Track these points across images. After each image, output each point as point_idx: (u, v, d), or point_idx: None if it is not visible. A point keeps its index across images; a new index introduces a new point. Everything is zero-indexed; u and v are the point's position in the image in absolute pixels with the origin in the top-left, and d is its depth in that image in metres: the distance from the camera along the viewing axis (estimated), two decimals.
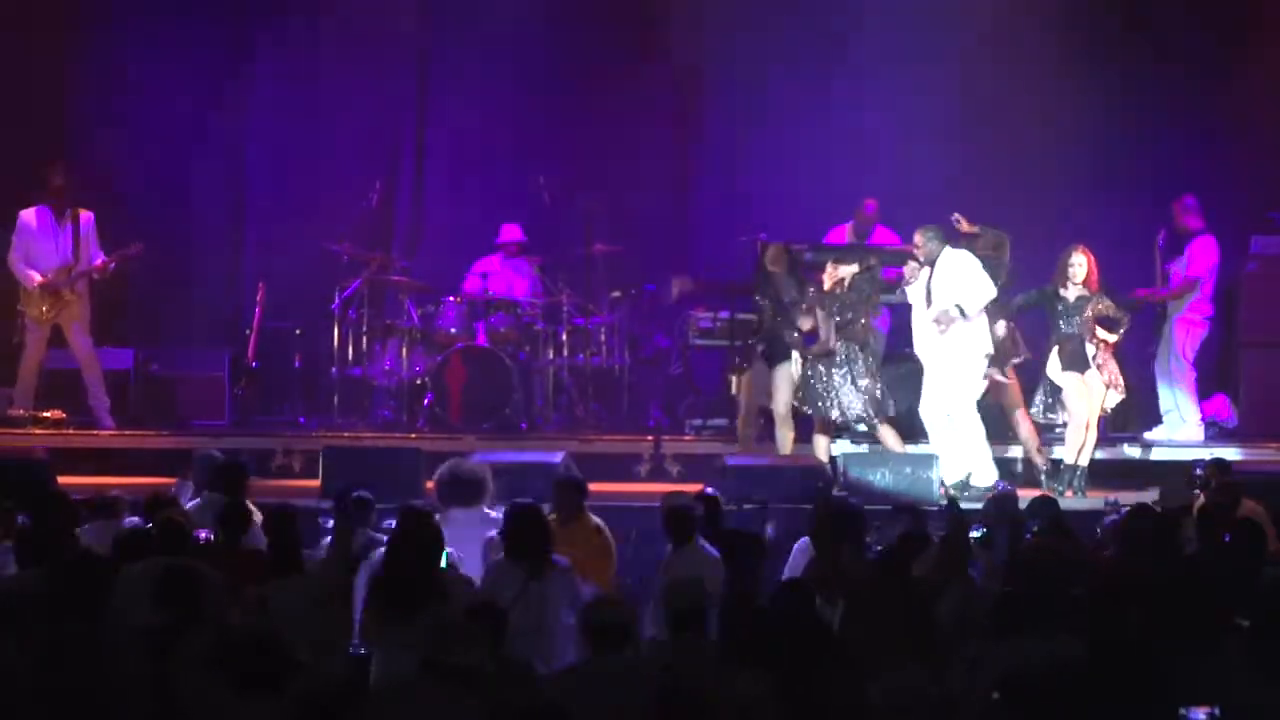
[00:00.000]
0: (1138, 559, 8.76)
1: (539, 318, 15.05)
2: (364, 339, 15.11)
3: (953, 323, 12.68)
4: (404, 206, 16.55)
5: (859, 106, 16.06)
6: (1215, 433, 14.89)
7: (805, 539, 10.04)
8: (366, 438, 14.21)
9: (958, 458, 12.73)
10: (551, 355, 15.02)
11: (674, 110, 16.38)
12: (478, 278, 15.26)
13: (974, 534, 10.10)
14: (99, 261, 14.43)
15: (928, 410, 12.91)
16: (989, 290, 12.77)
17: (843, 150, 15.94)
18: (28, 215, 14.59)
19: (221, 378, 15.13)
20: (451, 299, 15.05)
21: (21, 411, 14.47)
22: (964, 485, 12.49)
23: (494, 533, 9.82)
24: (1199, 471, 11.18)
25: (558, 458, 12.83)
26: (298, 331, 15.27)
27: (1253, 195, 15.57)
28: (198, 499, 10.55)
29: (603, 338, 15.18)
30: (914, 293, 12.99)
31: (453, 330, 14.95)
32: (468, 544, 9.72)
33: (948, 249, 12.85)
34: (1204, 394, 14.83)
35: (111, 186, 15.18)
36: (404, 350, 14.97)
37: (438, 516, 10.13)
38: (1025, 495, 10.81)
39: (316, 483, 12.83)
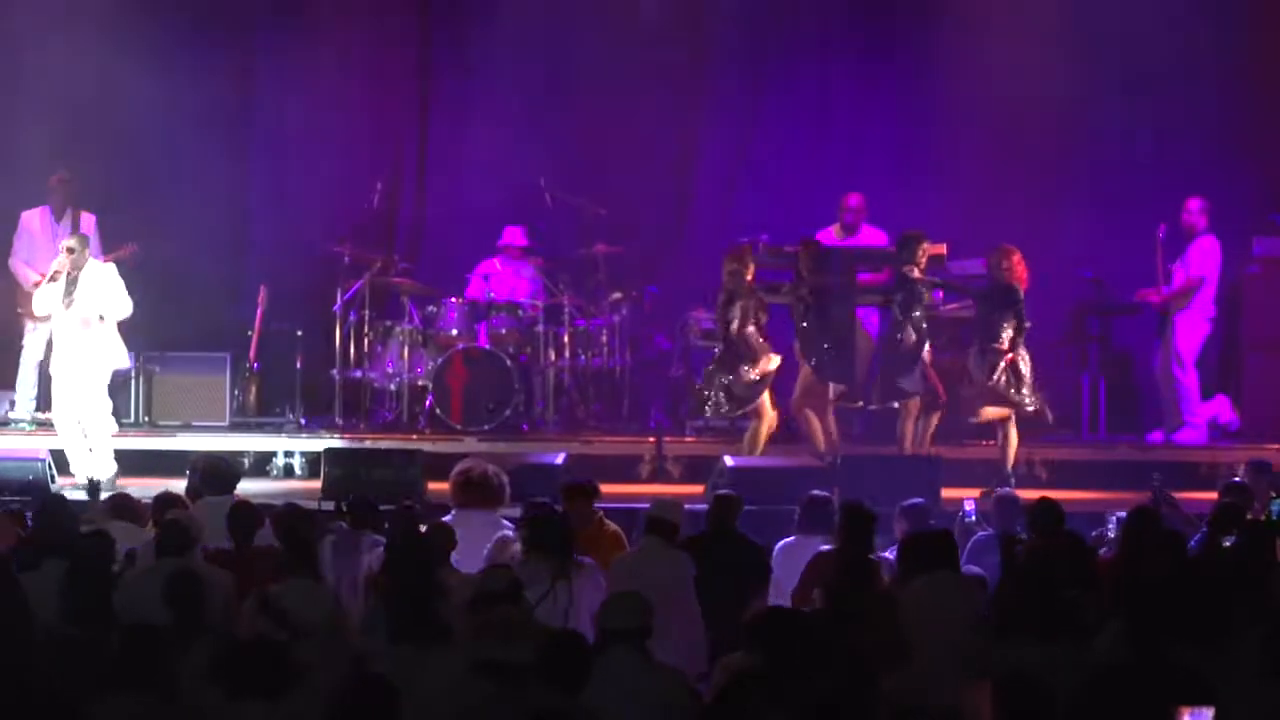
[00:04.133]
0: (1137, 561, 8.77)
1: (540, 319, 15.04)
2: (365, 340, 15.11)
3: (96, 324, 13.09)
4: (406, 208, 16.54)
5: (858, 108, 16.07)
6: (1217, 434, 14.88)
7: (792, 539, 10.07)
8: (368, 439, 14.22)
9: (105, 455, 13.08)
10: (553, 357, 15.01)
11: (675, 112, 16.36)
12: (480, 280, 15.26)
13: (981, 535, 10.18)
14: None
15: (61, 413, 13.18)
16: (128, 305, 13.20)
17: (841, 152, 15.95)
18: (29, 216, 14.64)
19: (223, 379, 15.14)
20: (453, 300, 15.04)
21: (21, 414, 14.48)
22: (98, 485, 12.56)
23: (506, 532, 9.86)
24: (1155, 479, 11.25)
25: (559, 459, 12.86)
26: (299, 333, 15.25)
27: (1255, 197, 15.57)
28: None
29: (604, 339, 15.17)
30: (50, 296, 13.16)
31: (454, 332, 14.94)
32: (481, 546, 9.76)
33: (93, 260, 13.24)
34: (1206, 395, 14.82)
35: (113, 188, 15.18)
36: (405, 352, 14.96)
37: (451, 516, 10.20)
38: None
39: (317, 484, 12.88)
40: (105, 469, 13.03)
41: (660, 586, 8.69)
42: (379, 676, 6.05)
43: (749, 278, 13.32)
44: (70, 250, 13.12)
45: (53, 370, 13.34)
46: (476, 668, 6.59)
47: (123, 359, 13.39)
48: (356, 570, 9.53)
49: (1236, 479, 11.37)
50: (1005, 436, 13.18)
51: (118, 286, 13.24)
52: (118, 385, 14.57)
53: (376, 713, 5.90)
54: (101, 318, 13.14)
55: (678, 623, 8.90)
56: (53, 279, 13.14)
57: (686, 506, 10.67)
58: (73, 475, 12.90)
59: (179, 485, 11.16)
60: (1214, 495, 11.08)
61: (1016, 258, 13.17)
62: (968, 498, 11.60)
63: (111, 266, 13.41)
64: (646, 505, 11.55)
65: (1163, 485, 11.07)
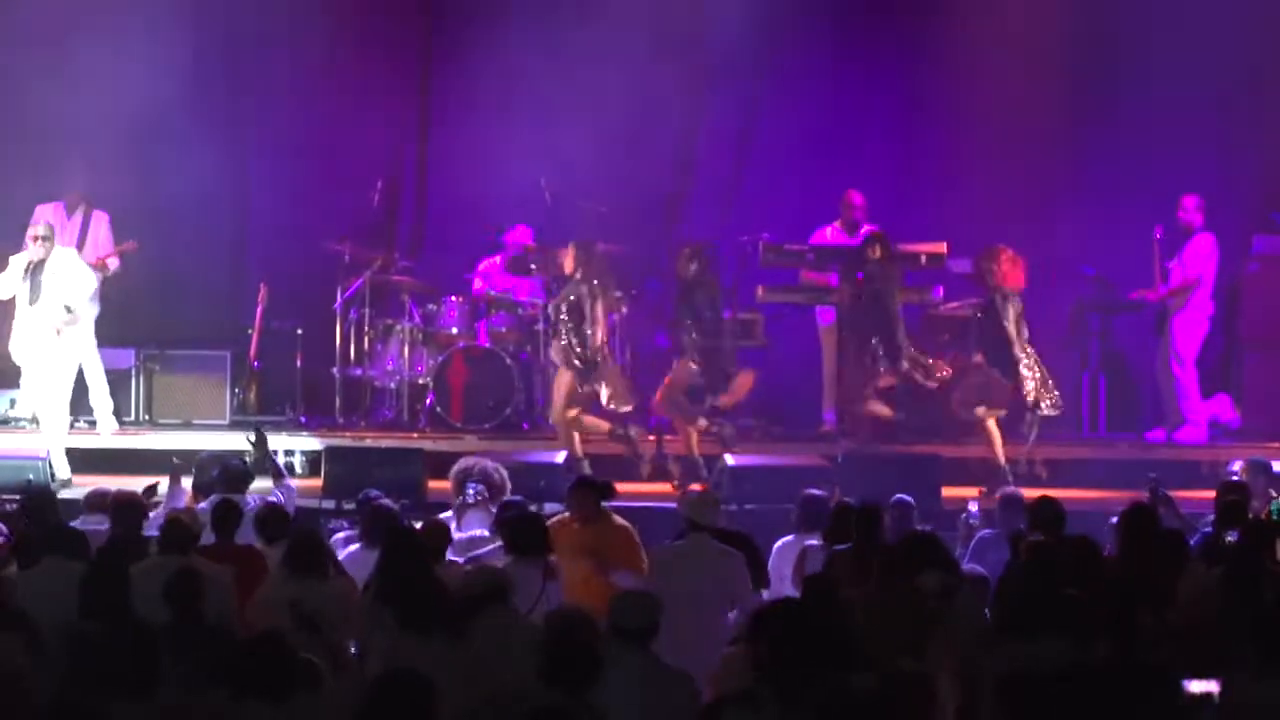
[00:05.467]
0: (1136, 558, 8.77)
1: (540, 318, 15.03)
2: (366, 339, 15.11)
3: (71, 322, 13.35)
4: (406, 206, 16.54)
5: (859, 107, 16.06)
6: (1218, 433, 14.88)
7: (791, 536, 10.08)
8: (368, 437, 14.22)
9: (59, 454, 13.18)
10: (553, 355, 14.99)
11: (675, 110, 16.35)
12: (483, 278, 15.25)
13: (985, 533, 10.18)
14: (96, 258, 14.44)
15: (44, 404, 13.40)
16: (91, 282, 13.62)
17: (842, 151, 15.95)
18: (43, 210, 14.66)
19: (223, 377, 15.15)
20: (453, 298, 15.04)
21: (22, 413, 14.50)
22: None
23: (478, 531, 9.93)
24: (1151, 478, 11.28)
25: (560, 458, 12.85)
26: (299, 331, 15.26)
27: (1254, 196, 15.57)
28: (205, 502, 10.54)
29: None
30: (14, 285, 13.35)
31: (454, 330, 14.94)
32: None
33: (58, 248, 13.43)
34: (1206, 394, 14.82)
35: (113, 186, 15.17)
36: (405, 350, 14.96)
37: (451, 514, 10.23)
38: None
39: (318, 483, 12.88)
40: (60, 469, 13.06)
41: (706, 583, 8.70)
42: (416, 672, 6.01)
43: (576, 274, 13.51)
44: (43, 239, 13.26)
45: (18, 362, 13.41)
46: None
47: (89, 353, 13.52)
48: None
49: (1235, 477, 11.35)
50: (990, 435, 13.25)
51: (80, 269, 13.43)
52: (118, 383, 14.62)
53: (414, 708, 5.87)
54: (68, 309, 13.23)
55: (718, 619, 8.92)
56: (26, 270, 13.21)
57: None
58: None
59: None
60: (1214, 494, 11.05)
61: (1003, 258, 13.25)
62: (971, 498, 11.60)
63: (73, 251, 13.62)
64: (645, 505, 11.65)
65: (1159, 483, 11.09)
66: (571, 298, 13.36)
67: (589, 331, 13.31)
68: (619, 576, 9.23)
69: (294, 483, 11.81)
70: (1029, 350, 13.31)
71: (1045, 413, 13.34)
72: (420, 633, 7.25)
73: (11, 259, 13.58)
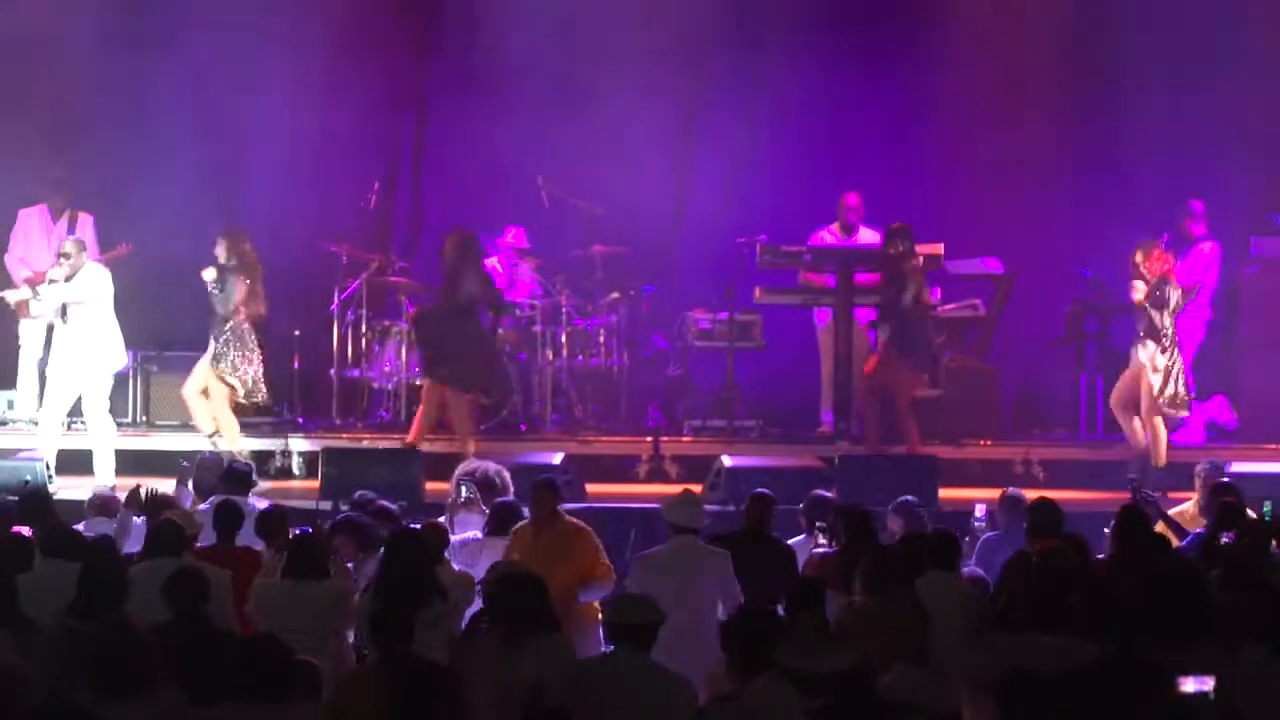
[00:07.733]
0: (1131, 560, 8.77)
1: (538, 319, 15.04)
2: (363, 340, 15.12)
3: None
4: (402, 207, 16.54)
5: (857, 108, 16.06)
6: (1215, 434, 14.87)
7: (801, 538, 10.08)
8: (365, 439, 14.21)
9: (107, 459, 13.16)
10: (550, 356, 15.01)
11: (673, 111, 16.35)
12: None
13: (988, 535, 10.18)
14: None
15: (51, 414, 13.26)
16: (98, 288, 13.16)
17: (839, 152, 15.95)
18: (27, 213, 14.64)
19: None
20: None
21: (21, 414, 14.48)
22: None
23: (472, 534, 9.96)
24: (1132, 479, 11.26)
25: (556, 459, 12.86)
26: (296, 332, 15.25)
27: (1252, 197, 15.58)
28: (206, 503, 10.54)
29: (601, 339, 15.18)
30: (47, 304, 13.21)
31: None
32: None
33: (89, 264, 13.25)
34: (1203, 395, 14.82)
35: (110, 187, 15.16)
36: (403, 351, 14.95)
37: (444, 518, 10.25)
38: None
39: (314, 484, 12.88)
40: (107, 473, 13.01)
41: (696, 584, 8.70)
42: (442, 666, 6.02)
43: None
44: (66, 256, 13.07)
45: (49, 372, 13.31)
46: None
47: (121, 359, 13.40)
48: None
49: (1225, 479, 11.35)
50: (1153, 432, 13.25)
51: (109, 291, 13.20)
52: (116, 385, 14.59)
53: (444, 701, 5.88)
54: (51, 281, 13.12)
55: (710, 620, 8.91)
56: (52, 281, 13.10)
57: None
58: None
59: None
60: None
61: (1156, 252, 13.21)
62: (978, 501, 11.55)
63: (106, 271, 13.42)
64: (643, 505, 11.64)
65: (1140, 484, 11.06)
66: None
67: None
68: (586, 593, 9.26)
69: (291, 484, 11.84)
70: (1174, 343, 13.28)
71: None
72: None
73: (35, 284, 13.50)
